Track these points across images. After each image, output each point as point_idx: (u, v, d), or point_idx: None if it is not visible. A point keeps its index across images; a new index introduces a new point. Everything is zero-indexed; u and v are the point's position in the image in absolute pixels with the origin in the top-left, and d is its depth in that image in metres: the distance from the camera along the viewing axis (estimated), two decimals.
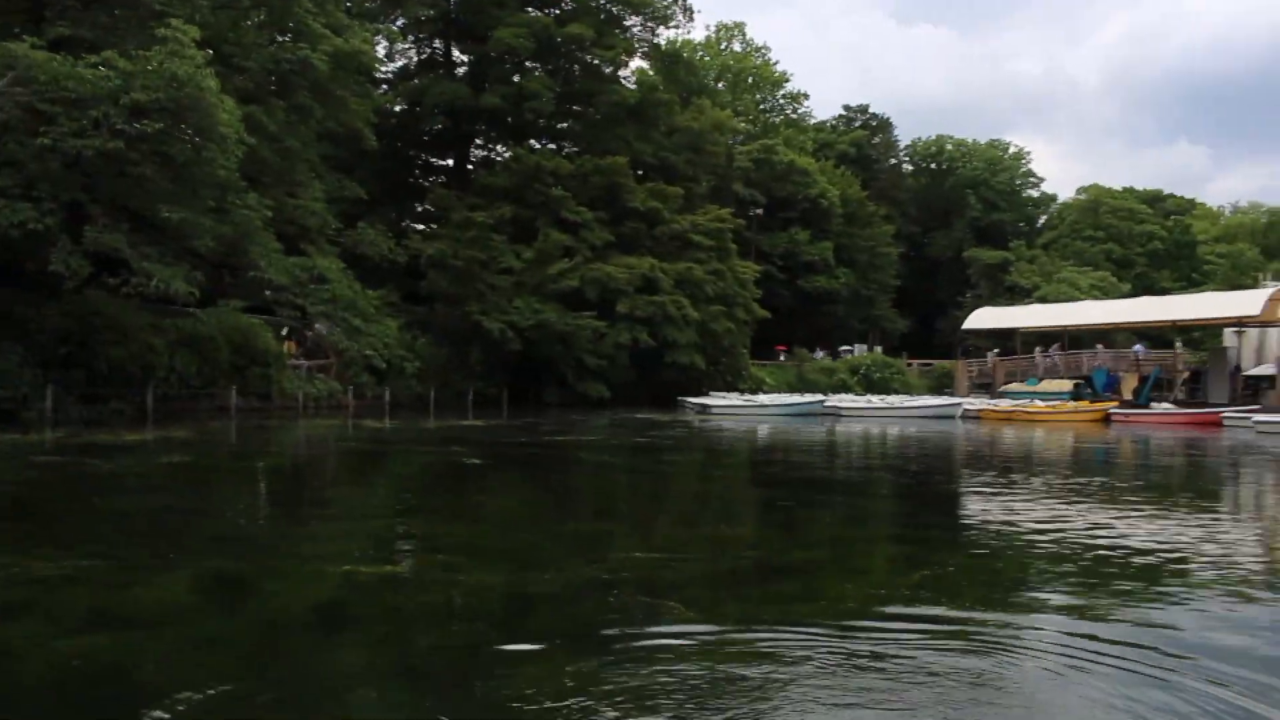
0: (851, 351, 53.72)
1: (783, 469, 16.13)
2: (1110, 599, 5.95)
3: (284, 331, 29.86)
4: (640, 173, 41.82)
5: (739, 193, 51.14)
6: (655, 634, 4.88)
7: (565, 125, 45.16)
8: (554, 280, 35.99)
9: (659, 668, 4.26)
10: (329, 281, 24.57)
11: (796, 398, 37.64)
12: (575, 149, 42.92)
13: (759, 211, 51.87)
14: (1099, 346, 44.30)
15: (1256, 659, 4.57)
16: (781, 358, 50.23)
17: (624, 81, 44.76)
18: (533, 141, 43.70)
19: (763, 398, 37.99)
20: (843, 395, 40.16)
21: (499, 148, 45.03)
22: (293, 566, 6.83)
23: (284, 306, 25.35)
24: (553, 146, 44.27)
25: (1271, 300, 34.20)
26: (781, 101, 70.55)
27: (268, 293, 24.75)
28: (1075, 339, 44.33)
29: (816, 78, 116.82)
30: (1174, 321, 40.83)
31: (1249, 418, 28.69)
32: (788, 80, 69.99)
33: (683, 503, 11.71)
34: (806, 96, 72.60)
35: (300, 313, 25.87)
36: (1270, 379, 35.10)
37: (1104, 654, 4.57)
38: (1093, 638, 4.85)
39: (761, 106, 69.08)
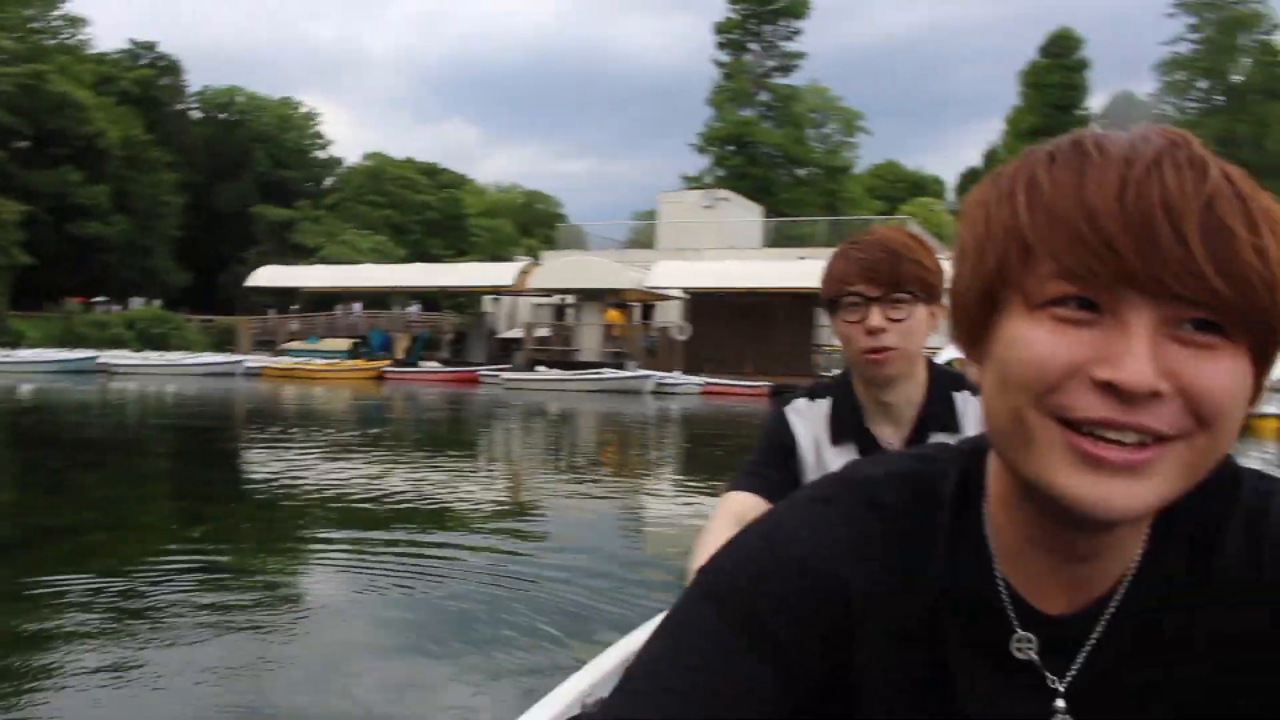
0: (127, 305, 50.60)
1: (52, 430, 15.21)
2: (382, 534, 6.94)
3: None
4: None
5: None
6: None
7: None
8: None
9: None
10: None
11: (64, 353, 34.77)
12: None
13: (24, 144, 46.45)
14: (358, 306, 46.79)
15: (500, 573, 5.83)
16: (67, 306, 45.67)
17: None
18: None
19: (23, 353, 34.51)
20: (118, 351, 37.90)
21: None
22: None
23: None
24: None
25: (522, 272, 39.22)
26: (58, 23, 63.33)
27: None
28: (356, 299, 46.46)
29: (101, 2, 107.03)
30: (444, 287, 44.64)
31: (499, 375, 32.90)
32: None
33: None
34: (88, 22, 66.17)
35: None
36: (519, 341, 40.23)
37: (380, 576, 5.50)
38: (372, 568, 5.79)
39: (33, 24, 61.45)
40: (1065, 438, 0.68)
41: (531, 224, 77.73)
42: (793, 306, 34.76)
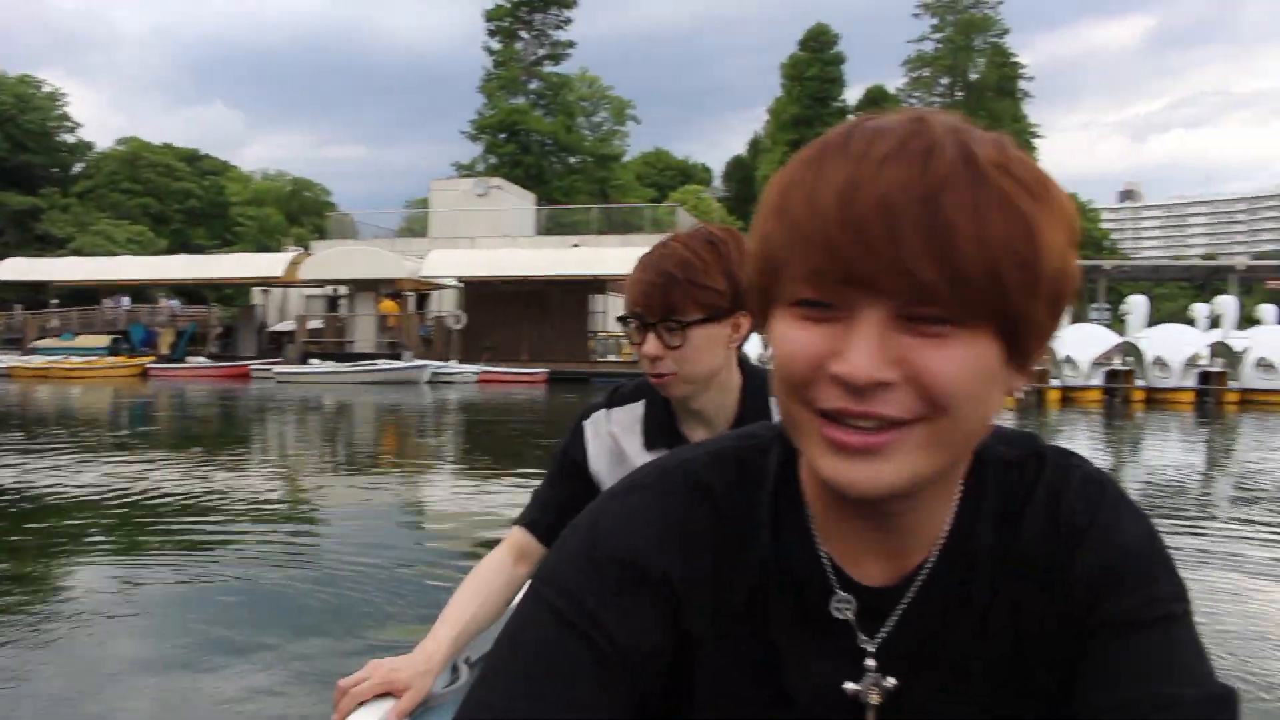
0: None
1: None
2: (153, 536, 7.03)
3: None
4: None
5: None
6: None
7: None
8: None
9: None
10: None
11: None
12: None
13: None
14: (127, 299, 44.62)
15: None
16: None
17: None
18: None
19: None
20: None
21: None
22: None
23: None
24: None
25: (292, 263, 38.40)
26: None
27: None
28: (115, 293, 44.20)
29: None
30: (209, 279, 43.06)
31: (271, 369, 32.26)
32: None
33: None
34: None
35: None
36: (291, 334, 39.40)
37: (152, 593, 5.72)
38: (142, 570, 5.93)
39: None
40: (818, 426, 0.72)
41: (299, 212, 75.55)
42: (567, 293, 35.60)
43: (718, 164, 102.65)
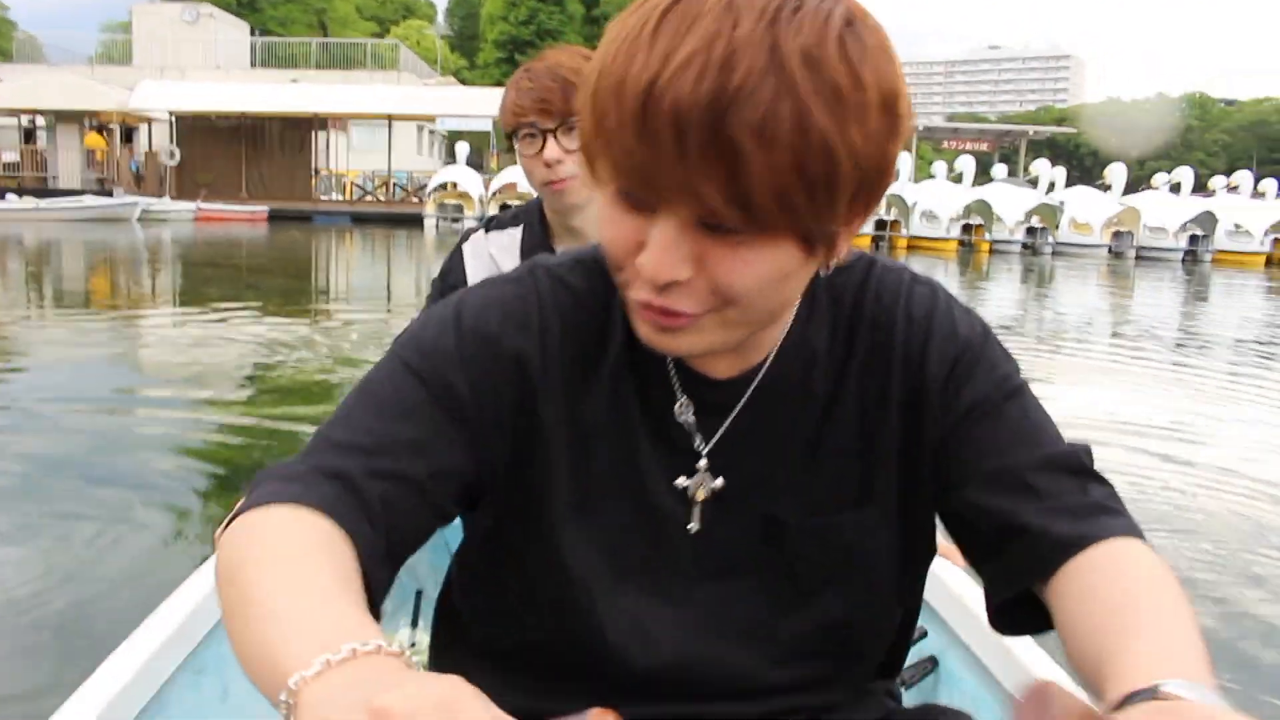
0: None
1: None
2: None
3: None
4: None
5: None
6: None
7: None
8: None
9: None
10: None
11: None
12: None
13: None
14: None
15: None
16: None
17: None
18: None
19: None
20: None
21: None
22: None
23: None
24: None
25: None
26: None
27: None
28: None
29: None
30: None
31: None
32: None
33: None
34: None
35: None
36: None
37: None
38: None
39: None
40: (632, 300, 0.78)
41: None
42: (286, 130, 35.12)
43: None
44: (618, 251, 0.76)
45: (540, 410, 0.88)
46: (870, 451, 0.91)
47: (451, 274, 1.99)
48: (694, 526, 0.91)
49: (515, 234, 1.97)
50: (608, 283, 0.86)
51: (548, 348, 0.88)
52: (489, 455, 0.86)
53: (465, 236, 2.04)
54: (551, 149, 1.80)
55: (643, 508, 0.91)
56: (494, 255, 1.95)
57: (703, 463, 0.90)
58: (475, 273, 1.95)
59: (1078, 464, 0.86)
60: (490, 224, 2.02)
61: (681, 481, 0.90)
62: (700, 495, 0.90)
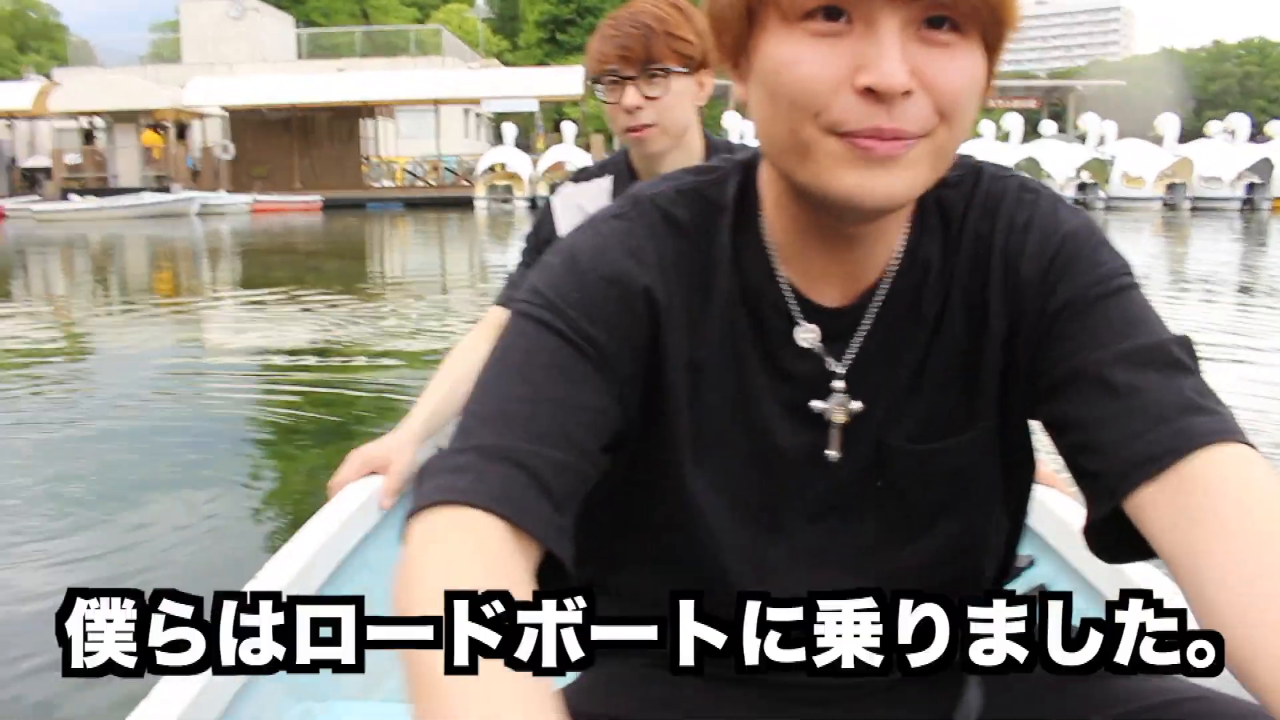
0: None
1: None
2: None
3: None
4: None
5: None
6: None
7: None
8: None
9: None
10: None
11: None
12: None
13: None
14: None
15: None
16: None
17: None
18: None
19: None
20: None
21: None
22: None
23: None
24: None
25: (40, 94, 36.49)
26: None
27: None
28: None
29: None
30: None
31: (30, 208, 31.02)
32: None
33: None
34: None
35: None
36: (47, 170, 37.67)
37: None
38: None
39: None
40: (840, 146, 0.72)
41: (26, 36, 69.54)
42: (335, 119, 35.58)
43: None
44: (820, 88, 0.72)
45: (664, 344, 0.86)
46: (976, 370, 0.88)
47: (543, 228, 2.02)
48: (832, 454, 0.89)
49: (604, 184, 2.00)
50: (711, 210, 0.87)
51: (668, 278, 0.86)
52: (630, 398, 0.85)
53: (553, 190, 2.09)
54: (631, 95, 1.82)
55: (761, 441, 0.89)
56: (583, 206, 1.94)
57: (839, 384, 0.87)
58: (567, 224, 1.94)
59: (1166, 356, 0.77)
60: (578, 177, 2.06)
61: (818, 405, 0.87)
62: (839, 418, 0.87)
